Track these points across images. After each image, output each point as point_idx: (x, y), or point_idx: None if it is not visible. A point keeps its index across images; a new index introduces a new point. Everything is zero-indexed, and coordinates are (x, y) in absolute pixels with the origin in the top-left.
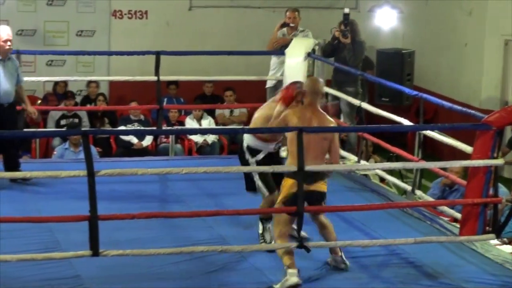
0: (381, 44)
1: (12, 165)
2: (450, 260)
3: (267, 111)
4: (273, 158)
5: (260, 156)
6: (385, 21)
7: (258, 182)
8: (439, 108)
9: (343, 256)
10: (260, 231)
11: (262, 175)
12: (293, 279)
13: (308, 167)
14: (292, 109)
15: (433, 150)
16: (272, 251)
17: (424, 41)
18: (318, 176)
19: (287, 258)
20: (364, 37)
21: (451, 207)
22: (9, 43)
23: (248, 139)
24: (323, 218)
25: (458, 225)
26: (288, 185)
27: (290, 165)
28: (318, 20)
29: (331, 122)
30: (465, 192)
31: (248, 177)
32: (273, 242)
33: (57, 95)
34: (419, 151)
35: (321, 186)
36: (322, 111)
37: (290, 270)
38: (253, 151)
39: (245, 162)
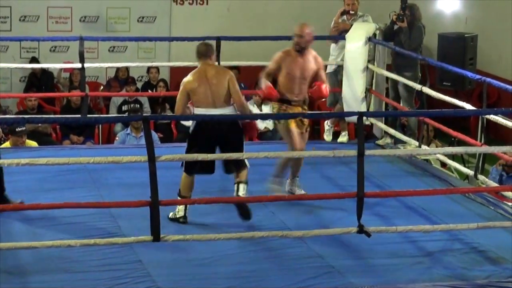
0: (444, 28)
1: None
2: None
3: None
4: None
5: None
6: (447, 5)
7: None
8: (502, 93)
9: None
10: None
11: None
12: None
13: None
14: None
15: (496, 135)
16: None
17: (487, 25)
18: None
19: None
20: (426, 21)
21: None
22: None
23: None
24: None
25: None
26: None
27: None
28: (379, 4)
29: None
30: None
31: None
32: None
33: (119, 81)
34: (482, 136)
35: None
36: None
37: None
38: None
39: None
